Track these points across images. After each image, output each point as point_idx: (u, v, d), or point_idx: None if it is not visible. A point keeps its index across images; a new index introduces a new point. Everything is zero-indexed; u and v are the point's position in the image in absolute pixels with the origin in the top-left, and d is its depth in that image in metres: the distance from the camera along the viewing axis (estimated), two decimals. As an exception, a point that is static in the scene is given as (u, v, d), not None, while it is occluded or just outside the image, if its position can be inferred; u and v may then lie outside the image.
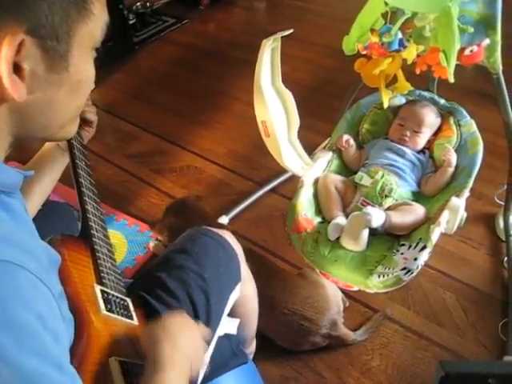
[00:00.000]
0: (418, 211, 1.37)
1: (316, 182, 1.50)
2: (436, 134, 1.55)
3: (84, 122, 1.01)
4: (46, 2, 0.52)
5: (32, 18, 0.51)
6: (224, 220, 1.79)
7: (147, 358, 0.71)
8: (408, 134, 1.52)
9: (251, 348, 1.35)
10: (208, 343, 0.86)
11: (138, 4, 3.28)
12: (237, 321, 1.11)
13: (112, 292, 0.83)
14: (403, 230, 1.36)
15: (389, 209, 1.41)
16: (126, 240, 1.82)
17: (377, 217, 1.31)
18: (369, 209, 1.33)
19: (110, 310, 0.78)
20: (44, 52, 0.54)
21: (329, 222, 1.40)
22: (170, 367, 0.69)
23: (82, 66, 0.60)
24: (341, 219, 1.38)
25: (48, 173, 0.97)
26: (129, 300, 0.87)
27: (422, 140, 1.53)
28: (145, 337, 0.75)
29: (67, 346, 0.58)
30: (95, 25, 0.59)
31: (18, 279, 0.51)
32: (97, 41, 0.61)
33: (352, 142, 1.56)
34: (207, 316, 0.96)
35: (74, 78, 0.59)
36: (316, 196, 1.48)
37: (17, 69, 0.52)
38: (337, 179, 1.50)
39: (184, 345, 0.74)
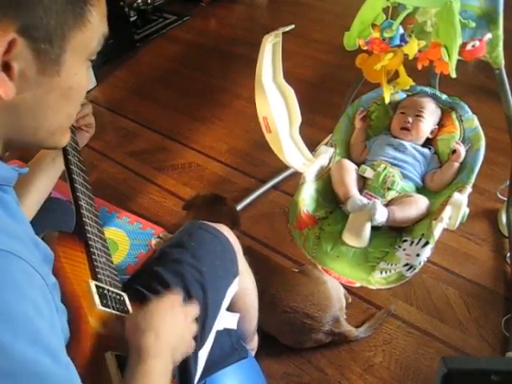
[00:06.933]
0: (420, 203, 1.37)
1: (318, 177, 1.49)
2: (439, 129, 1.55)
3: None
4: (41, 4, 0.52)
5: (25, 18, 0.52)
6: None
7: (131, 348, 0.71)
8: (410, 119, 1.51)
9: (253, 344, 1.35)
10: (197, 320, 0.86)
11: (139, 1, 3.28)
12: (236, 315, 1.11)
13: (107, 287, 0.82)
14: (406, 223, 1.37)
15: (391, 201, 1.40)
16: (128, 237, 1.82)
17: (380, 213, 1.31)
18: (376, 203, 1.32)
19: (105, 305, 0.78)
20: (36, 54, 0.54)
21: (343, 203, 1.41)
22: (153, 356, 0.70)
23: (75, 73, 0.60)
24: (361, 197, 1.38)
25: (44, 172, 0.96)
26: (125, 295, 0.87)
27: (425, 126, 1.51)
28: (128, 325, 0.75)
29: (62, 335, 0.58)
30: (92, 34, 0.59)
31: (14, 268, 0.51)
32: (92, 51, 0.62)
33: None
34: (204, 309, 0.96)
35: (65, 84, 0.59)
36: (318, 191, 1.47)
37: (6, 67, 0.53)
38: (352, 165, 1.50)
39: (168, 334, 0.74)
